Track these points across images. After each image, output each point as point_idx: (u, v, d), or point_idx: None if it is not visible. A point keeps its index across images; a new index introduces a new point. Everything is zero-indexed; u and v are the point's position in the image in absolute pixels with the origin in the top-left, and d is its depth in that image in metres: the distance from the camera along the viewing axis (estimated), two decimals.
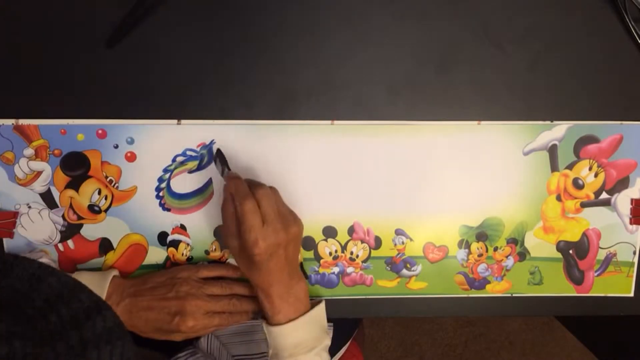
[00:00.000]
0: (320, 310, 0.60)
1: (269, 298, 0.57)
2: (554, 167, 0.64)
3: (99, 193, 0.61)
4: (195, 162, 0.61)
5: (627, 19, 0.62)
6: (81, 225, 0.61)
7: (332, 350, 0.68)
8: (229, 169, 0.60)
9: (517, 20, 0.62)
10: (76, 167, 0.60)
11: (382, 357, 1.48)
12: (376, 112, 0.62)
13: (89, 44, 0.59)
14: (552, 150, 0.64)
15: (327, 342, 0.60)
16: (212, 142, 0.61)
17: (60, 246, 0.62)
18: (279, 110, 0.61)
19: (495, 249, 0.65)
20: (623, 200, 0.65)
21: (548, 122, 0.63)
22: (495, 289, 0.66)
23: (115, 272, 0.60)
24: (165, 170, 0.61)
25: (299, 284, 0.59)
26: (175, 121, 0.60)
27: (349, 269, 0.65)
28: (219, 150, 0.61)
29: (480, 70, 0.62)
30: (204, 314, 0.58)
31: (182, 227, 0.62)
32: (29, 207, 0.60)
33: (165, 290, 0.58)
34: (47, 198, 0.60)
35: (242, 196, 0.54)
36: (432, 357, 1.49)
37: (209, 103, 0.61)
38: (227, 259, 0.63)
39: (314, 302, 0.61)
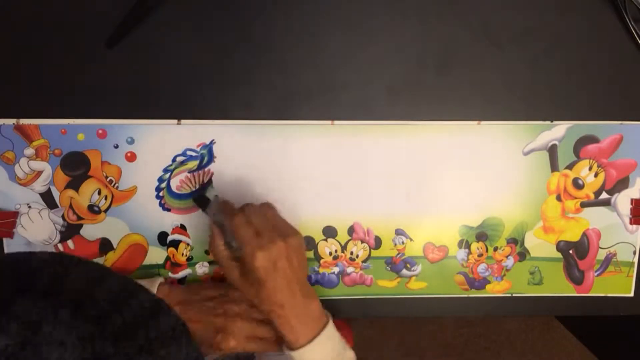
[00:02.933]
0: (332, 325, 0.58)
1: (286, 321, 0.54)
2: (554, 167, 0.64)
3: (99, 193, 0.61)
4: (195, 162, 0.61)
5: (627, 19, 0.62)
6: (81, 226, 0.61)
7: None
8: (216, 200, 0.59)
9: (517, 20, 0.62)
10: (76, 167, 0.60)
11: (382, 357, 1.48)
12: (376, 112, 0.62)
13: (89, 44, 0.59)
14: (552, 150, 0.64)
15: (350, 355, 0.58)
16: (212, 142, 0.61)
17: (60, 246, 0.62)
18: (279, 110, 0.61)
19: (495, 249, 0.65)
20: (623, 200, 0.65)
21: (548, 122, 0.63)
22: (495, 289, 0.66)
23: (161, 279, 0.60)
24: (165, 170, 0.61)
25: (313, 303, 0.56)
26: (175, 121, 0.60)
27: (349, 269, 0.65)
28: (203, 196, 0.61)
29: (480, 70, 0.62)
30: (246, 337, 0.58)
31: (182, 227, 0.62)
32: (29, 207, 0.60)
33: (216, 305, 0.58)
34: (47, 198, 0.60)
35: (231, 213, 0.54)
36: (432, 357, 1.49)
37: (209, 103, 0.61)
38: None
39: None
